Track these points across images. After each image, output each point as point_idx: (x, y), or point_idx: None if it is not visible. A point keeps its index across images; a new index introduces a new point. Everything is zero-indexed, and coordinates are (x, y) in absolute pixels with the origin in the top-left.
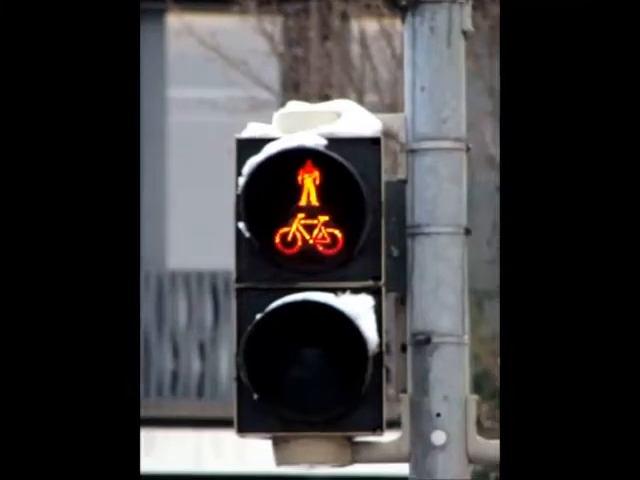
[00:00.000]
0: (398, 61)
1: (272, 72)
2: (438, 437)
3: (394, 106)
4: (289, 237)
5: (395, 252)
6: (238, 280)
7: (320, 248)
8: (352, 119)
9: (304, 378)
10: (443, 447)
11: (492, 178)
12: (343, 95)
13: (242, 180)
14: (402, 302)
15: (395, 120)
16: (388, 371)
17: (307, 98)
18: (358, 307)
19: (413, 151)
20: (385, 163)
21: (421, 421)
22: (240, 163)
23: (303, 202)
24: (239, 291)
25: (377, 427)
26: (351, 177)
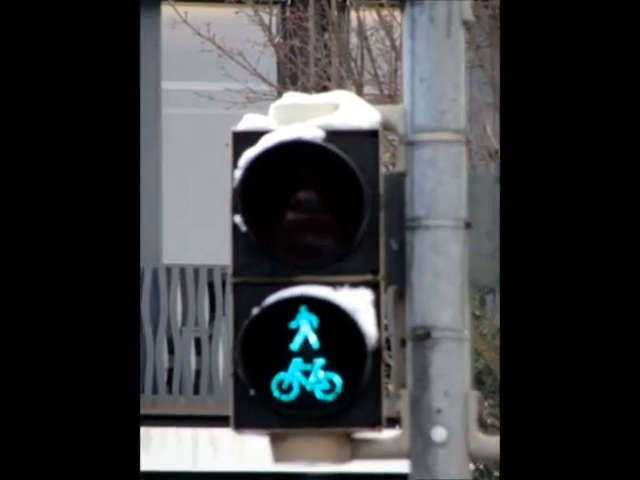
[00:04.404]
0: (397, 52)
1: (269, 64)
2: (438, 433)
3: (393, 98)
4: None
5: (394, 245)
6: (235, 274)
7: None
8: (350, 111)
9: None
10: (443, 444)
11: (493, 170)
12: (341, 87)
13: (238, 173)
14: (401, 296)
15: (394, 112)
16: (388, 367)
17: (305, 90)
18: (357, 301)
19: (412, 143)
20: (384, 156)
21: (421, 417)
22: (236, 156)
23: (301, 195)
24: (236, 285)
25: (376, 423)
26: (349, 170)
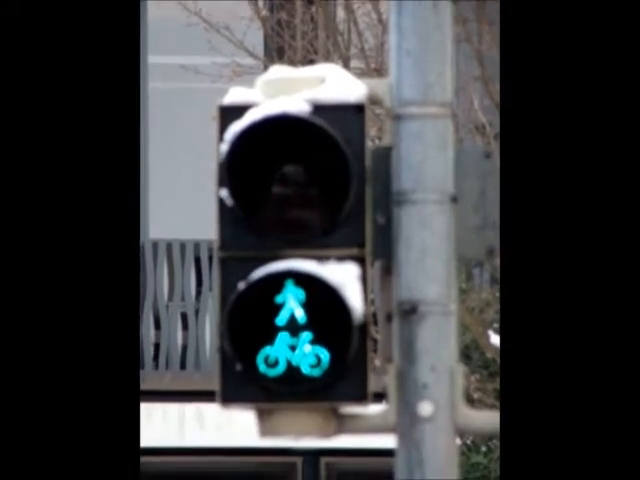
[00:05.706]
0: (384, 25)
1: (256, 37)
2: (425, 408)
3: (380, 71)
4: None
5: (381, 220)
6: (221, 249)
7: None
8: (336, 84)
9: None
10: (430, 418)
11: (479, 144)
12: (328, 61)
13: (224, 147)
14: (388, 271)
15: (380, 85)
16: (375, 341)
17: (291, 63)
18: (343, 276)
19: (399, 117)
20: (371, 130)
21: (407, 392)
22: (223, 130)
23: (287, 169)
24: (222, 260)
25: (362, 398)
26: (335, 144)
